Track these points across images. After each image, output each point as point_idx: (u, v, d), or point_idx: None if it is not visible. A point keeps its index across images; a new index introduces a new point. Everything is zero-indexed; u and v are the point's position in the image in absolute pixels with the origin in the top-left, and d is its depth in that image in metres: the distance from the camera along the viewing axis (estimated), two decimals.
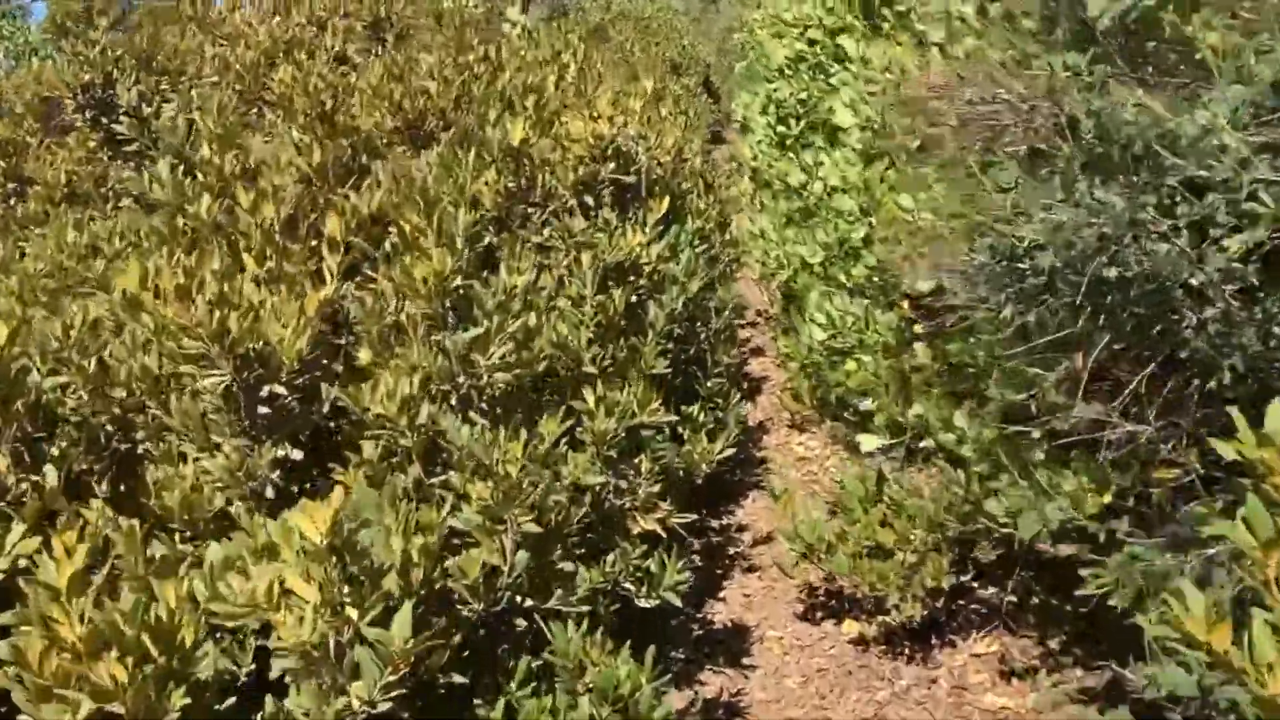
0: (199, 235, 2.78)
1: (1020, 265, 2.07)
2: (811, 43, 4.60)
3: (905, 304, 3.44)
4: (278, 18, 5.00)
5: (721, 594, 3.64)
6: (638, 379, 2.79)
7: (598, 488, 2.49)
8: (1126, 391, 2.00)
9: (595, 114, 3.79)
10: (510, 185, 3.26)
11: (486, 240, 3.27)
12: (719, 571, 3.77)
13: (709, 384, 4.05)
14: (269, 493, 2.26)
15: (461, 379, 2.36)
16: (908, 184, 2.96)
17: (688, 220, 4.56)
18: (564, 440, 2.52)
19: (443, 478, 2.12)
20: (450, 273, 2.35)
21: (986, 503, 2.47)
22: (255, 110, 4.34)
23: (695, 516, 2.96)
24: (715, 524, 4.15)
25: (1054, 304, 2.08)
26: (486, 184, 3.18)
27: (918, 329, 3.39)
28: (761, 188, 5.74)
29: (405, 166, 3.18)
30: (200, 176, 2.97)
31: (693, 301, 3.95)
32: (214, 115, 2.95)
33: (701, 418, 3.64)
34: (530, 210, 3.28)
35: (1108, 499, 2.29)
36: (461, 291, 2.46)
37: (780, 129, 5.14)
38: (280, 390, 2.21)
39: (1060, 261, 2.01)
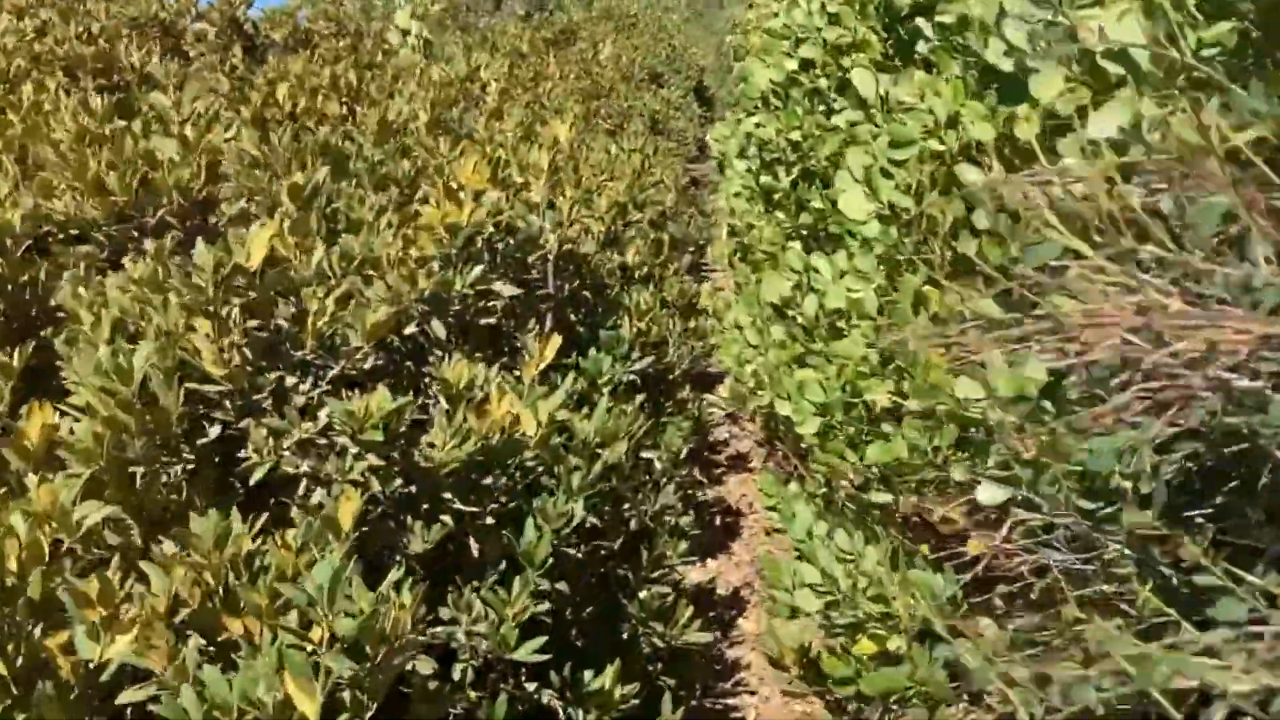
0: None
1: None
2: (807, 64, 3.18)
3: (955, 523, 2.06)
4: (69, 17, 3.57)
5: None
6: None
7: None
8: None
9: (456, 185, 2.38)
10: (260, 331, 1.84)
11: (218, 432, 1.87)
12: None
13: (644, 594, 2.64)
14: None
15: None
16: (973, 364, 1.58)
17: (624, 323, 3.15)
18: None
19: None
20: None
21: None
22: None
23: None
24: None
25: None
26: (208, 335, 1.76)
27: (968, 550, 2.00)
28: (741, 251, 4.33)
29: (73, 306, 1.77)
30: None
31: (616, 470, 2.55)
32: None
33: (616, 693, 2.22)
34: (296, 379, 1.86)
35: None
36: None
37: (764, 178, 3.72)
38: None
39: None
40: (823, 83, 3.33)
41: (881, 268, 2.12)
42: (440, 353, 2.30)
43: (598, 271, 3.10)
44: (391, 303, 2.18)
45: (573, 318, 3.10)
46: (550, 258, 2.82)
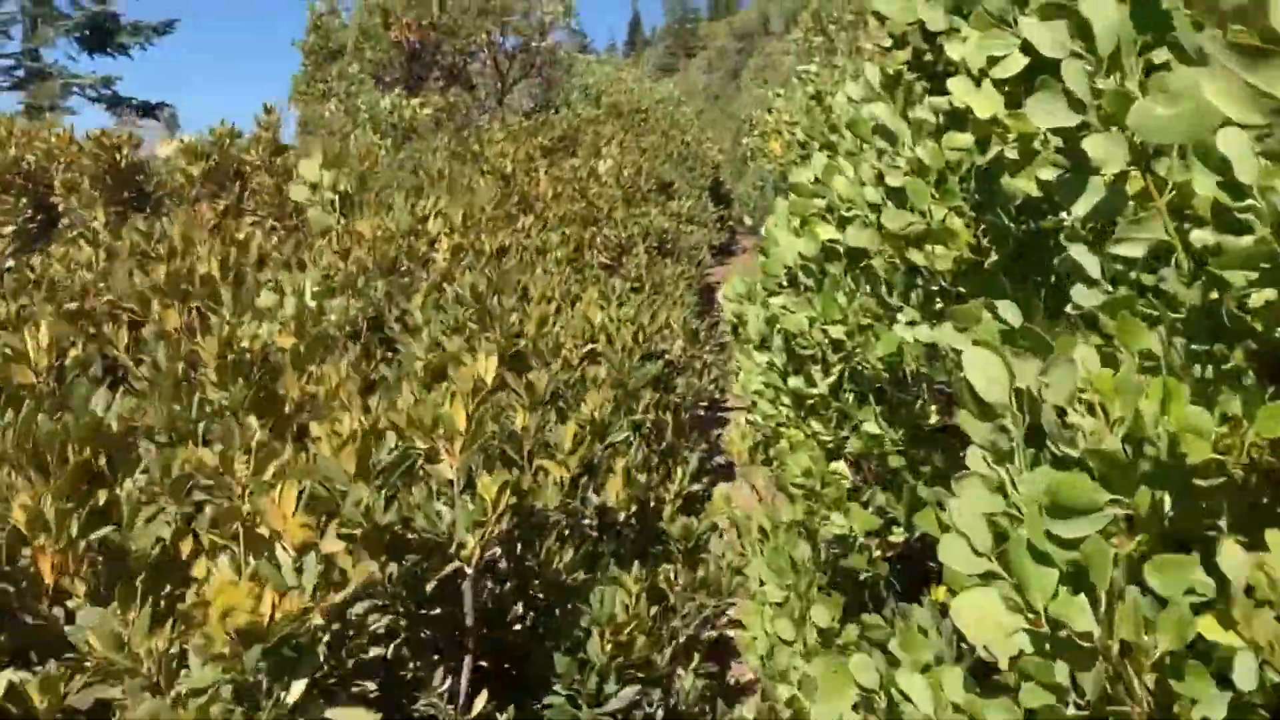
0: None
1: None
2: (857, 254, 2.22)
3: None
4: None
5: None
6: None
7: None
8: None
9: (268, 533, 1.40)
10: None
11: None
12: None
13: None
14: None
15: None
16: None
17: (593, 635, 2.12)
18: None
19: None
20: None
21: None
22: None
23: None
24: None
25: None
26: None
27: None
28: (764, 454, 3.34)
29: None
30: None
31: None
32: None
33: None
34: None
35: None
36: None
37: (794, 380, 2.73)
38: None
39: None
40: (876, 261, 2.36)
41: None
42: None
43: (551, 559, 2.09)
44: None
45: (513, 633, 2.10)
46: (469, 571, 1.82)
